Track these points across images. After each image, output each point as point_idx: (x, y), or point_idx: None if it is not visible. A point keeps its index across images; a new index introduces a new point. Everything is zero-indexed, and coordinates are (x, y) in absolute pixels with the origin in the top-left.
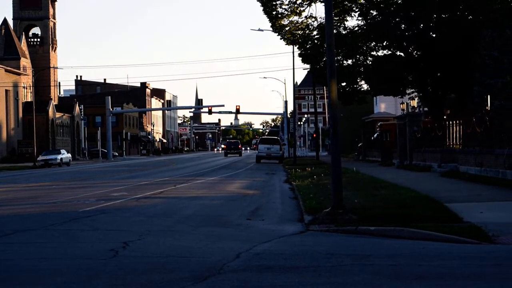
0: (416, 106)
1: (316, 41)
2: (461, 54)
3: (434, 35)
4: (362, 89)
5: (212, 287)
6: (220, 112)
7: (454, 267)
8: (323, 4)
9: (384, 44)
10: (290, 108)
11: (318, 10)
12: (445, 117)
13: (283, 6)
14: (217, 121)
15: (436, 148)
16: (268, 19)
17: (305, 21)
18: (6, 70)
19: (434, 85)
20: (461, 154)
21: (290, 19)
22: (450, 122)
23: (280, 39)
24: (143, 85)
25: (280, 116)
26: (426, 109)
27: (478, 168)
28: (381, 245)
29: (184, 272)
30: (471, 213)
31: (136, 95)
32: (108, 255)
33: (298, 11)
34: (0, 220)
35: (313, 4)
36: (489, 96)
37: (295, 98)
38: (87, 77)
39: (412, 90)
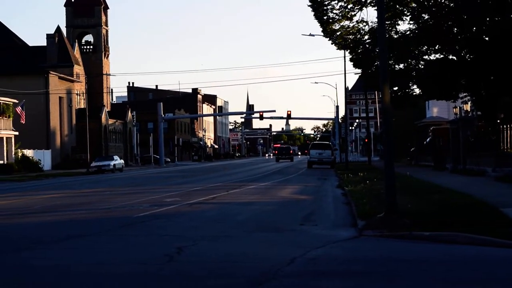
0: (469, 110)
1: (367, 46)
2: None
3: (487, 39)
4: (414, 93)
5: None
6: (271, 118)
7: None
8: (375, 8)
9: (436, 48)
10: (342, 113)
11: (370, 15)
12: (498, 121)
13: (334, 11)
14: (268, 127)
15: (490, 152)
16: (319, 24)
17: (356, 25)
18: (60, 77)
19: (488, 89)
20: None
21: (341, 23)
22: (504, 126)
23: (331, 44)
24: (195, 91)
25: (331, 121)
26: (479, 113)
27: None
28: (436, 250)
29: (239, 278)
30: None
31: (187, 101)
32: (163, 260)
33: (349, 15)
34: (55, 226)
35: (364, 8)
36: None
37: (346, 103)
38: (139, 83)
39: (465, 94)
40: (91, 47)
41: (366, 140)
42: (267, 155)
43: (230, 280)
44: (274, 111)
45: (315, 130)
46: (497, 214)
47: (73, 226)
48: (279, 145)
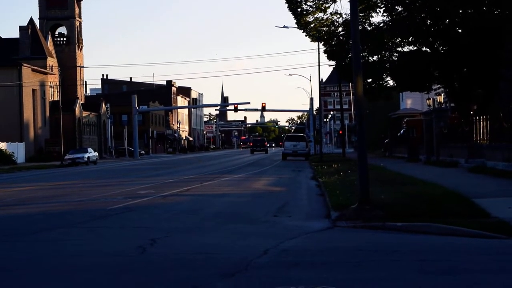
0: (442, 101)
1: (341, 38)
2: (487, 50)
3: (460, 31)
4: (388, 85)
5: (240, 283)
6: (246, 110)
7: (482, 262)
8: (348, 0)
9: (410, 40)
10: (316, 105)
11: (343, 7)
12: (471, 112)
13: (308, 3)
14: (243, 119)
15: (463, 143)
16: (293, 16)
17: (330, 17)
18: (33, 70)
19: (461, 81)
20: (488, 150)
21: (315, 16)
22: (477, 118)
23: (305, 36)
24: (169, 83)
25: (306, 113)
26: (452, 104)
27: (506, 163)
28: (408, 241)
29: (212, 269)
30: (499, 208)
31: (162, 94)
32: (136, 252)
33: (323, 7)
34: (28, 218)
35: (338, 0)
36: None
37: (320, 95)
38: (113, 76)
39: (438, 85)
40: (65, 39)
41: (341, 132)
42: (241, 147)
43: (202, 271)
44: (249, 103)
45: (290, 122)
46: (469, 204)
47: (45, 218)
48: (244, 138)
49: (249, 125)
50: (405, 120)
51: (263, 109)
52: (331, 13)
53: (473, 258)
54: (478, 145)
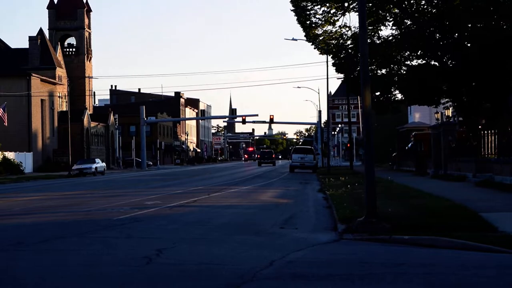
0: (450, 115)
1: (350, 51)
2: (496, 64)
3: (469, 45)
4: (396, 98)
5: None
6: (254, 122)
7: (489, 277)
8: (357, 13)
9: (419, 53)
10: (324, 118)
11: (352, 20)
12: (480, 126)
13: (317, 16)
14: (250, 131)
15: (471, 158)
16: (302, 29)
17: (339, 30)
18: (42, 80)
19: (469, 95)
20: (496, 164)
21: (324, 28)
22: (485, 132)
23: (314, 48)
24: (177, 94)
25: (313, 126)
26: (461, 118)
27: None
28: (415, 254)
29: (218, 280)
30: (506, 223)
31: (170, 105)
32: (142, 262)
33: (332, 20)
34: (35, 227)
35: (347, 13)
36: None
37: (329, 108)
38: (121, 86)
39: (446, 99)
40: (74, 49)
41: (348, 145)
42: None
43: (208, 282)
44: (257, 115)
45: (298, 134)
46: (476, 218)
47: (53, 228)
48: (251, 149)
49: (257, 137)
50: (413, 133)
51: (271, 121)
52: (340, 26)
53: (480, 272)
54: (486, 160)
